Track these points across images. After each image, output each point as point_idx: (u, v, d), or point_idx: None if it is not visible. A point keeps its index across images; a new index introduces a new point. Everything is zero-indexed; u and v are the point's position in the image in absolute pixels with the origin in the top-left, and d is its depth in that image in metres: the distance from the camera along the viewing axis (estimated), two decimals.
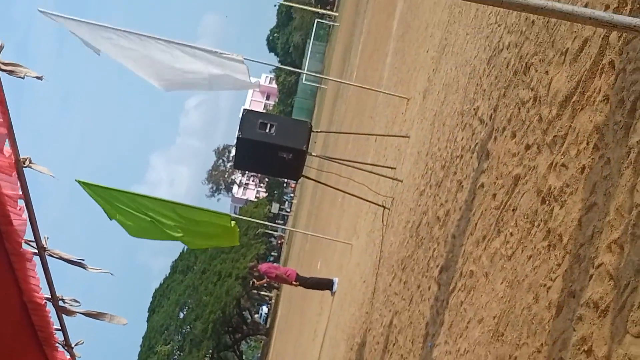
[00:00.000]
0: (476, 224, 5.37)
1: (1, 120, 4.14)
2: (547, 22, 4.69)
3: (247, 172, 66.21)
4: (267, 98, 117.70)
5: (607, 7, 3.73)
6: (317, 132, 13.59)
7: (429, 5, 12.46)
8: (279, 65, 79.33)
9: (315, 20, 71.82)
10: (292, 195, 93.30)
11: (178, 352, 69.92)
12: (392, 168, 11.82)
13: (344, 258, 18.07)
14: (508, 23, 5.94)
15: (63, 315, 5.98)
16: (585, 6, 4.03)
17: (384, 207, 11.33)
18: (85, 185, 9.22)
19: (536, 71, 4.71)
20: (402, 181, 10.55)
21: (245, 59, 10.77)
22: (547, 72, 4.46)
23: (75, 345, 6.42)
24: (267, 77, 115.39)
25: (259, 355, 77.96)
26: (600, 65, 3.64)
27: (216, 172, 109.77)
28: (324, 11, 77.88)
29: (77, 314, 5.94)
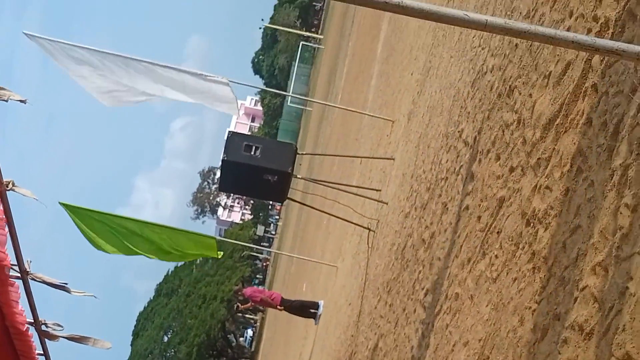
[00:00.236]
0: (461, 246, 5.37)
1: None
2: (530, 45, 4.72)
3: (232, 194, 66.07)
4: (253, 120, 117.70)
5: (589, 31, 3.76)
6: (302, 154, 13.59)
7: (413, 29, 12.53)
8: (264, 87, 79.43)
9: (300, 43, 72.07)
10: (277, 217, 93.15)
11: None
12: (377, 190, 11.83)
13: (330, 280, 18.01)
14: (492, 46, 5.98)
15: (46, 339, 5.92)
16: (568, 30, 4.06)
17: (369, 230, 11.32)
18: (68, 207, 9.15)
19: (520, 94, 4.73)
20: (387, 203, 10.55)
21: (230, 81, 10.77)
22: (530, 95, 4.48)
23: None
24: (252, 99, 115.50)
25: None
26: (583, 88, 3.67)
27: (201, 195, 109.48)
28: (309, 34, 78.21)
29: (61, 338, 5.88)
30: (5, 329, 5.38)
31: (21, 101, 4.30)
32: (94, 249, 9.45)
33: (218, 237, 11.89)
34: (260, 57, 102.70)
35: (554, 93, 4.07)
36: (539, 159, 4.04)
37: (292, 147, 10.48)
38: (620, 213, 2.90)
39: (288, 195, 10.58)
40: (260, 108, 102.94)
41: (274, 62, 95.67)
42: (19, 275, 5.31)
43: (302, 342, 22.82)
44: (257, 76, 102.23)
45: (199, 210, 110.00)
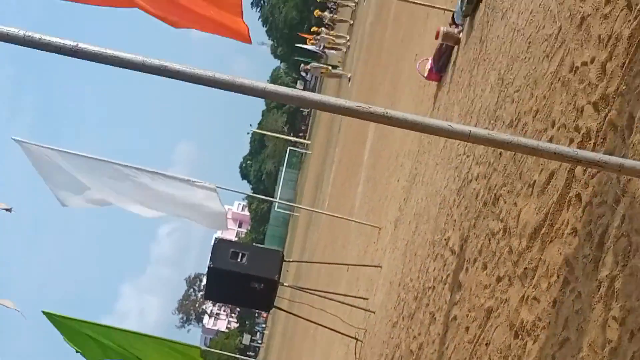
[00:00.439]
0: (449, 358, 5.27)
1: None
2: (514, 154, 4.76)
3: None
4: (240, 226, 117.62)
5: (571, 141, 3.79)
6: (289, 261, 13.49)
7: (399, 135, 12.68)
8: (251, 194, 79.78)
9: (288, 148, 72.78)
10: (264, 325, 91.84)
11: None
12: (364, 299, 11.70)
13: None
14: (476, 154, 6.03)
15: None
16: (551, 139, 4.10)
17: (357, 340, 11.13)
18: (51, 316, 9.00)
19: (505, 202, 4.74)
20: (374, 312, 10.42)
21: (217, 187, 10.78)
22: (515, 204, 4.48)
23: None
24: (239, 204, 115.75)
25: None
26: (568, 198, 3.67)
27: (187, 302, 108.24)
28: (297, 139, 79.11)
29: None
30: None
31: (7, 209, 4.28)
32: (78, 358, 9.26)
33: (203, 347, 11.67)
34: (248, 162, 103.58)
35: (538, 202, 4.07)
36: (525, 268, 4.00)
37: (279, 254, 10.42)
38: (609, 326, 2.85)
39: (275, 304, 10.43)
40: (248, 213, 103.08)
41: (262, 167, 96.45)
42: None
43: None
44: (245, 181, 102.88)
45: (185, 318, 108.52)
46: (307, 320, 13.48)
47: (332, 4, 39.49)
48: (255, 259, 9.97)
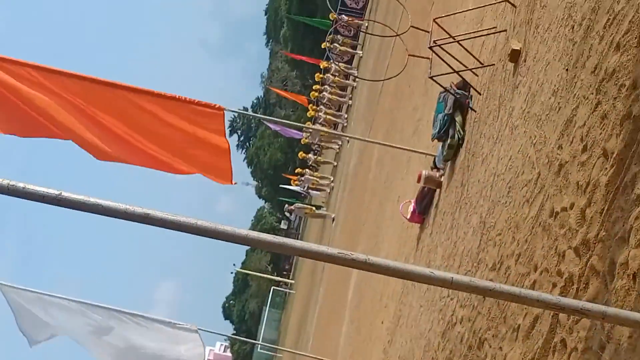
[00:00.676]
0: None
1: None
2: None
3: None
4: None
5: (554, 286, 3.79)
6: None
7: (382, 276, 12.62)
8: (233, 336, 78.56)
9: (272, 288, 72.26)
10: None
11: None
12: None
13: None
14: (460, 297, 6.01)
15: None
16: (534, 284, 4.10)
17: None
18: None
19: (490, 347, 4.68)
20: None
21: (199, 328, 10.61)
22: (500, 348, 4.43)
23: None
24: (221, 345, 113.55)
25: None
26: (553, 344, 3.63)
27: None
28: (280, 279, 78.66)
29: None
30: None
31: None
32: None
33: None
34: (231, 301, 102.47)
35: (523, 347, 4.03)
36: None
37: None
38: None
39: None
40: (230, 354, 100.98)
41: (245, 307, 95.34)
42: None
43: None
44: (228, 321, 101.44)
45: None
46: None
47: (316, 146, 40.23)
48: None
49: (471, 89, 7.39)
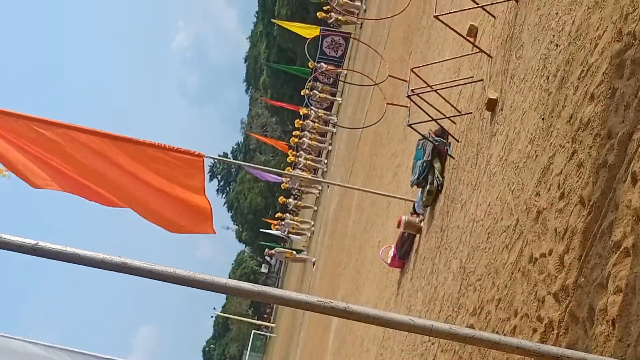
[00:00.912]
0: None
1: None
2: (478, 348, 4.73)
3: None
4: None
5: (534, 331, 3.80)
6: None
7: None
8: None
9: (252, 332, 71.66)
10: None
11: None
12: None
13: None
14: (441, 342, 5.99)
15: None
16: (514, 330, 4.10)
17: None
18: None
19: None
20: None
21: None
22: None
23: None
24: None
25: None
26: None
27: None
28: (261, 322, 78.06)
29: None
30: None
31: None
32: None
33: None
34: (212, 345, 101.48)
35: None
36: None
37: None
38: None
39: None
40: None
41: (225, 351, 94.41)
42: None
43: None
44: None
45: None
46: None
47: (296, 191, 40.24)
48: None
49: (449, 136, 7.45)
